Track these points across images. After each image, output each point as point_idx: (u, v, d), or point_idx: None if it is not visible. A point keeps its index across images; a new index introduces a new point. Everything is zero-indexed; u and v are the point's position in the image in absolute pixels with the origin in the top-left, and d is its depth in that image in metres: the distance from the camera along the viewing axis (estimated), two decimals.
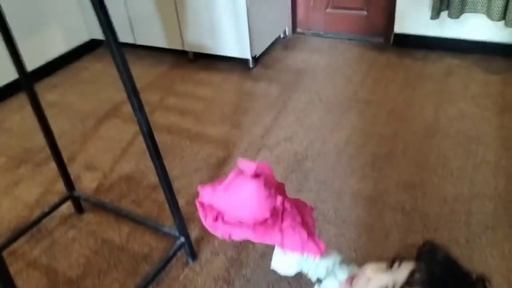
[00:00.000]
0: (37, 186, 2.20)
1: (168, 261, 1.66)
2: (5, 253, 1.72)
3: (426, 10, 2.93)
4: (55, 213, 1.99)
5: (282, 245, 0.89)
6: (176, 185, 1.89)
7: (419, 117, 2.47)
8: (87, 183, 2.19)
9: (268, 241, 0.89)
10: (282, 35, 3.49)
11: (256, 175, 0.89)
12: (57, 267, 1.77)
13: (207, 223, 0.92)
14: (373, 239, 1.78)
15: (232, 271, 1.70)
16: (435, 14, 2.86)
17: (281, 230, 0.88)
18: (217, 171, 2.20)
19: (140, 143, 2.48)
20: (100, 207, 2.00)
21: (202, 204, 0.93)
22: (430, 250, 0.72)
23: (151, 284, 1.62)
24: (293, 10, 3.48)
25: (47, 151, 2.38)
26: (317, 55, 3.25)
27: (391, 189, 2.01)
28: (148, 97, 2.66)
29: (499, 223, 1.79)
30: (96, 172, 2.27)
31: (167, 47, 3.29)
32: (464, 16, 2.84)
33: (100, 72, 3.27)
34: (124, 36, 3.18)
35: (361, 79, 2.90)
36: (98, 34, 3.48)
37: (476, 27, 2.90)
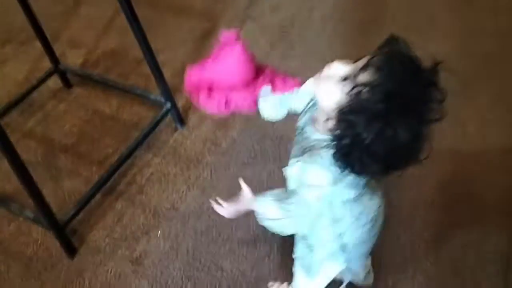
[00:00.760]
0: (24, 63, 2.20)
1: (156, 124, 1.73)
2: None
3: None
4: (44, 88, 2.01)
5: (273, 89, 0.96)
6: (161, 58, 1.88)
7: None
8: (72, 59, 2.18)
9: (259, 92, 0.96)
10: None
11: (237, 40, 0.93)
12: (52, 136, 1.85)
13: (202, 98, 0.97)
14: None
15: (219, 134, 1.78)
16: None
17: (269, 81, 0.96)
18: (201, 43, 2.18)
19: (122, 19, 2.43)
20: (87, 80, 2.02)
21: (192, 84, 0.97)
22: (391, 41, 0.75)
23: (142, 147, 1.71)
24: None
25: (30, 30, 2.35)
26: None
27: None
28: None
29: None
30: (80, 49, 2.25)
31: None
32: None
33: None
34: None
35: None
36: None
37: None
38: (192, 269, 1.42)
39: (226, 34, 0.94)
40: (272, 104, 1.01)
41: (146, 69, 2.06)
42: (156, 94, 1.82)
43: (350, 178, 0.82)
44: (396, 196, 1.48)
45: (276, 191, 0.93)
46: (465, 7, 2.21)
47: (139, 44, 1.57)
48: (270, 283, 1.36)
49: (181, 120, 1.81)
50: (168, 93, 1.72)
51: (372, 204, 0.97)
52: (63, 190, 1.65)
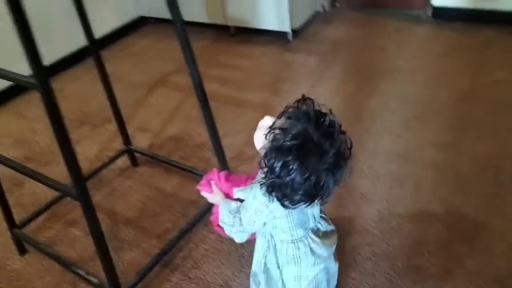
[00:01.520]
0: (96, 144, 2.43)
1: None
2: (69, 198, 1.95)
3: None
4: (113, 166, 2.21)
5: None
6: None
7: (455, 84, 2.54)
8: (140, 142, 2.40)
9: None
10: (321, 10, 3.59)
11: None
12: (117, 210, 1.99)
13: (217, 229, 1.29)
14: (405, 191, 1.90)
15: None
16: None
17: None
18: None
19: (186, 108, 2.69)
20: (152, 160, 2.20)
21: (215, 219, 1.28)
22: (302, 99, 0.96)
23: (199, 224, 1.81)
24: None
25: (103, 114, 2.62)
26: (355, 29, 3.34)
27: (424, 148, 2.11)
28: None
29: None
30: (147, 133, 2.48)
31: (209, 22, 3.46)
32: None
33: (148, 46, 3.49)
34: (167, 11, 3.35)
35: (398, 49, 2.98)
36: (145, 11, 3.70)
37: None
38: None
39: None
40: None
41: (205, 153, 2.25)
42: None
43: (280, 208, 1.01)
44: None
45: (234, 205, 1.20)
46: (508, 109, 2.31)
47: (208, 128, 1.73)
48: None
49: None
50: None
51: (312, 269, 1.17)
52: (123, 260, 1.74)
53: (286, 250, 1.15)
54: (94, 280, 1.55)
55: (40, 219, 1.95)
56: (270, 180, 0.95)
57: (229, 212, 1.19)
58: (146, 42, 3.56)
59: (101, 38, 3.46)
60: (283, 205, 0.98)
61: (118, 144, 2.33)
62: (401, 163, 2.05)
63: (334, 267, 1.29)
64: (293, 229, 1.11)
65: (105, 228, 1.89)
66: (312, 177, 0.91)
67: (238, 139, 2.32)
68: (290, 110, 0.95)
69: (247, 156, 2.18)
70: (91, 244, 1.44)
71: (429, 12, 3.26)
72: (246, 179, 1.27)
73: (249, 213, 1.09)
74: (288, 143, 0.90)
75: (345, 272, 1.58)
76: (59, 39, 3.06)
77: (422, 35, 3.11)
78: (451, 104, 2.39)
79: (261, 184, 0.98)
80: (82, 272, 1.59)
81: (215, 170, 1.31)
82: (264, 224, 1.14)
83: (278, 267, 1.20)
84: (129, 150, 2.19)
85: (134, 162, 2.23)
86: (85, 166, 2.26)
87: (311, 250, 1.15)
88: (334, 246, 1.23)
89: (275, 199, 0.98)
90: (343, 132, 0.95)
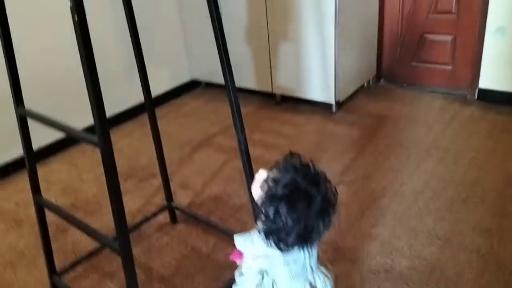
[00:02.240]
0: (139, 198, 2.52)
1: None
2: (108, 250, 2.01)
3: (511, 67, 2.99)
4: (153, 221, 2.27)
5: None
6: None
7: (501, 168, 2.49)
8: (181, 199, 2.47)
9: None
10: (366, 84, 3.68)
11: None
12: (152, 266, 2.02)
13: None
14: (446, 277, 1.83)
15: None
16: None
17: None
18: None
19: (228, 169, 2.76)
20: (191, 219, 2.25)
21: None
22: (291, 154, 1.11)
23: None
24: (379, 61, 3.68)
25: (149, 169, 2.74)
26: (400, 105, 3.38)
27: (467, 232, 2.05)
28: None
29: None
30: (189, 190, 2.55)
31: (256, 89, 3.61)
32: None
33: (198, 108, 3.66)
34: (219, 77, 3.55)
35: (443, 128, 2.98)
36: (198, 75, 3.92)
37: None
38: None
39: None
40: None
41: (243, 216, 2.28)
42: None
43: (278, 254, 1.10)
44: None
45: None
46: None
47: (249, 192, 1.77)
48: None
49: None
50: None
51: None
52: None
53: None
54: None
55: (79, 267, 2.00)
56: (267, 226, 1.06)
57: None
58: (196, 104, 3.74)
59: (156, 97, 3.68)
60: (280, 249, 1.08)
61: (160, 199, 2.41)
62: (442, 246, 1.99)
63: None
64: (292, 278, 1.18)
65: (139, 283, 1.93)
66: (302, 221, 1.03)
67: None
68: (280, 163, 1.09)
69: None
70: None
71: (475, 93, 3.27)
72: None
73: (247, 258, 1.21)
74: (280, 192, 1.04)
75: None
76: (118, 95, 3.27)
77: (467, 116, 3.11)
78: (496, 189, 2.33)
79: (259, 230, 1.09)
80: None
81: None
82: (263, 277, 1.20)
83: None
84: (170, 207, 2.25)
85: (174, 219, 2.28)
86: (127, 219, 2.34)
87: None
88: None
89: (272, 243, 1.07)
90: (329, 181, 1.08)
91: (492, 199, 2.26)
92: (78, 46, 1.14)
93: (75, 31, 1.13)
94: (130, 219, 2.27)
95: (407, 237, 2.06)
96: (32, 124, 1.57)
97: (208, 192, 2.53)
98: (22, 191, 2.62)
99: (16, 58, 1.48)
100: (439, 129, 2.98)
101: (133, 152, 3.00)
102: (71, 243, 2.19)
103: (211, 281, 1.90)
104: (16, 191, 2.67)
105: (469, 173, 2.48)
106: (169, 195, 2.23)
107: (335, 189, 1.09)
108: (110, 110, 3.22)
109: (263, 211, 1.06)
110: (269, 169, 1.11)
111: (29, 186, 1.69)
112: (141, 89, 1.98)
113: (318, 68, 3.20)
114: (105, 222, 2.25)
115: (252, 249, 1.18)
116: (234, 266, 2.00)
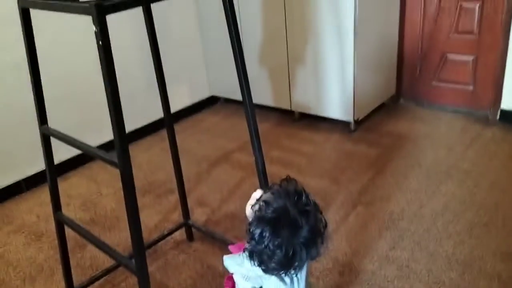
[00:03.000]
0: (157, 214, 2.54)
1: None
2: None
3: None
4: (169, 238, 2.28)
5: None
6: None
7: None
8: (197, 216, 2.48)
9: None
10: (386, 102, 3.66)
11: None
12: (168, 284, 2.02)
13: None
14: None
15: None
16: None
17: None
18: None
19: (246, 187, 2.76)
20: (208, 237, 2.25)
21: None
22: (285, 179, 1.13)
23: None
24: (399, 79, 3.65)
25: (167, 185, 2.76)
26: (420, 124, 3.35)
27: (487, 257, 2.01)
28: None
29: None
30: (206, 208, 2.56)
31: (274, 106, 3.63)
32: None
33: (216, 124, 3.69)
34: (238, 94, 3.58)
35: (463, 150, 2.93)
36: (217, 92, 3.96)
37: None
38: None
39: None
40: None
41: None
42: None
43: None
44: None
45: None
46: None
47: None
48: None
49: None
50: None
51: None
52: None
53: None
54: None
55: (97, 283, 2.02)
56: (251, 246, 1.08)
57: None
58: (215, 120, 3.77)
59: (175, 112, 3.73)
60: (263, 270, 1.10)
61: (177, 216, 2.42)
62: (461, 272, 1.95)
63: None
64: None
65: None
66: (283, 247, 1.03)
67: None
68: (275, 187, 1.11)
69: None
70: None
71: (497, 114, 3.22)
72: None
73: (238, 279, 1.21)
74: (269, 215, 1.05)
75: None
76: (139, 110, 3.33)
77: (489, 138, 3.06)
78: None
79: (245, 249, 1.12)
80: None
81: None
82: None
83: None
84: (187, 224, 2.26)
85: (190, 237, 2.29)
86: (144, 235, 2.36)
87: None
88: None
89: (255, 264, 1.09)
90: (320, 212, 1.09)
91: (511, 222, 2.21)
92: (101, 69, 1.18)
93: (99, 55, 1.16)
94: (146, 235, 2.30)
95: (426, 261, 2.03)
96: (54, 139, 1.61)
97: (225, 209, 2.54)
98: (43, 204, 2.68)
99: (41, 79, 1.53)
100: (460, 150, 2.93)
101: (152, 167, 3.04)
102: (89, 258, 2.21)
103: None
104: (38, 204, 2.73)
105: (491, 197, 2.43)
106: (186, 212, 2.25)
107: (325, 221, 1.10)
108: (130, 125, 3.30)
109: (250, 230, 1.08)
110: (265, 190, 1.14)
111: (50, 200, 1.73)
112: (160, 104, 2.01)
113: (337, 86, 3.20)
114: (123, 237, 2.28)
115: (241, 270, 1.19)
116: None
